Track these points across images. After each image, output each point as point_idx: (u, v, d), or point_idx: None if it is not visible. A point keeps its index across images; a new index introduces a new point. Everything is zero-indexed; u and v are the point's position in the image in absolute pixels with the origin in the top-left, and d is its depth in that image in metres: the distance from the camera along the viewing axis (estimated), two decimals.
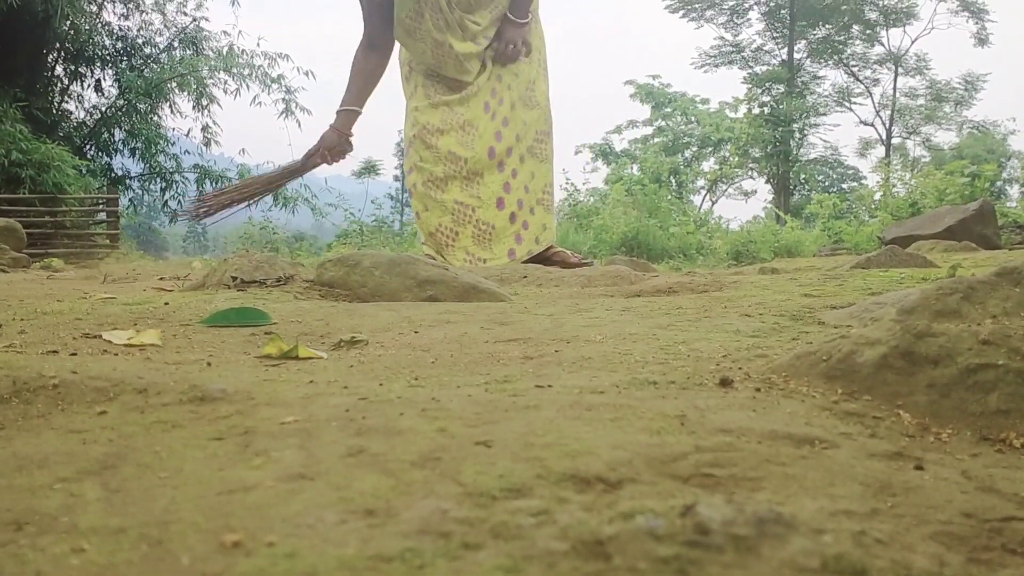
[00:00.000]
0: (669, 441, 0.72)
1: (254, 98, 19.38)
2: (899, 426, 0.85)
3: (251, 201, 4.44)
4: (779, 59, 32.08)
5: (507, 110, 4.43)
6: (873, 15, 31.34)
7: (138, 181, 19.69)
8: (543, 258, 4.48)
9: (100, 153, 18.73)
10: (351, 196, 18.43)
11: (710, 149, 25.99)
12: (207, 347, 1.43)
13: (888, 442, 0.79)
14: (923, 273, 2.67)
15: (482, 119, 4.37)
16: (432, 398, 0.89)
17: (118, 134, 18.83)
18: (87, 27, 17.45)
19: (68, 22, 16.39)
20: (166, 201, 19.60)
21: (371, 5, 4.40)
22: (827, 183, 33.36)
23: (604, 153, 26.38)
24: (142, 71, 18.36)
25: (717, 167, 24.85)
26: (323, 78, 20.16)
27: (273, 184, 4.49)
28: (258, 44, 25.99)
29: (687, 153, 25.85)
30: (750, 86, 29.69)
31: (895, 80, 32.32)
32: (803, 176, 31.37)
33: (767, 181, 30.37)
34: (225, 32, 21.94)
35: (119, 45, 18.63)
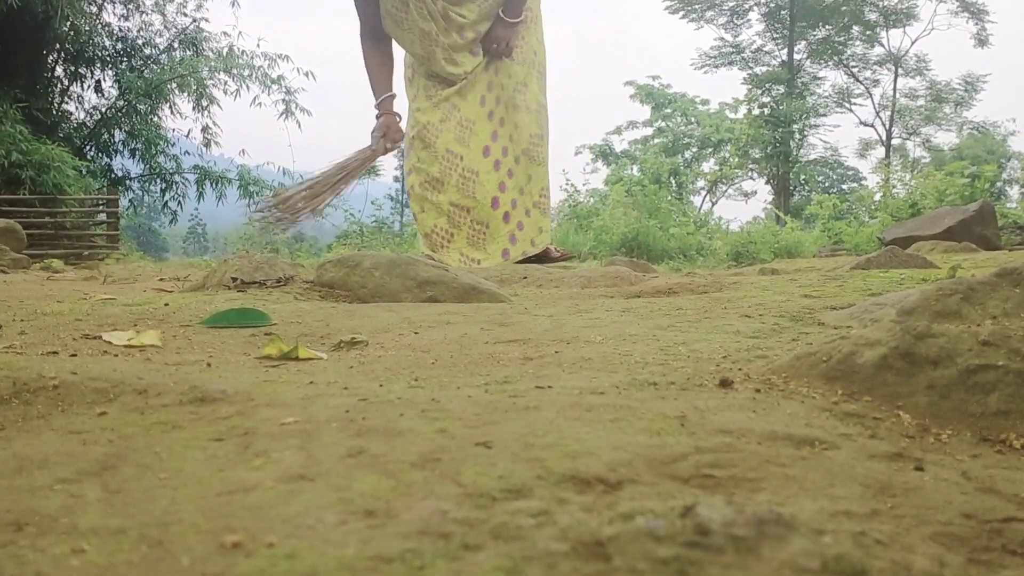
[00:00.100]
0: (669, 442, 0.72)
1: (254, 99, 19.38)
2: (899, 427, 0.85)
3: (335, 195, 4.40)
4: (779, 60, 32.09)
5: (502, 111, 4.45)
6: (873, 16, 31.35)
7: (138, 182, 19.69)
8: (535, 258, 4.52)
9: (100, 154, 18.73)
10: (351, 197, 18.35)
11: (710, 150, 25.99)
12: (207, 348, 1.43)
13: (888, 443, 0.79)
14: (923, 274, 2.67)
15: (479, 116, 4.40)
16: (432, 399, 0.89)
17: (118, 135, 18.84)
18: (87, 28, 17.45)
19: (68, 23, 16.39)
20: (166, 202, 19.61)
21: (362, 2, 4.44)
22: (827, 184, 33.35)
23: (604, 154, 26.38)
24: (142, 72, 18.37)
25: (717, 168, 24.83)
26: (323, 79, 20.19)
27: (350, 174, 4.44)
28: (258, 45, 25.98)
29: (687, 154, 25.85)
30: (750, 87, 29.69)
31: (895, 81, 32.34)
32: (803, 177, 31.36)
33: (767, 182, 30.38)
34: (225, 33, 21.98)
35: (119, 46, 18.64)
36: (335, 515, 0.56)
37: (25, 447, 0.77)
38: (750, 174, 29.93)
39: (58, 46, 17.11)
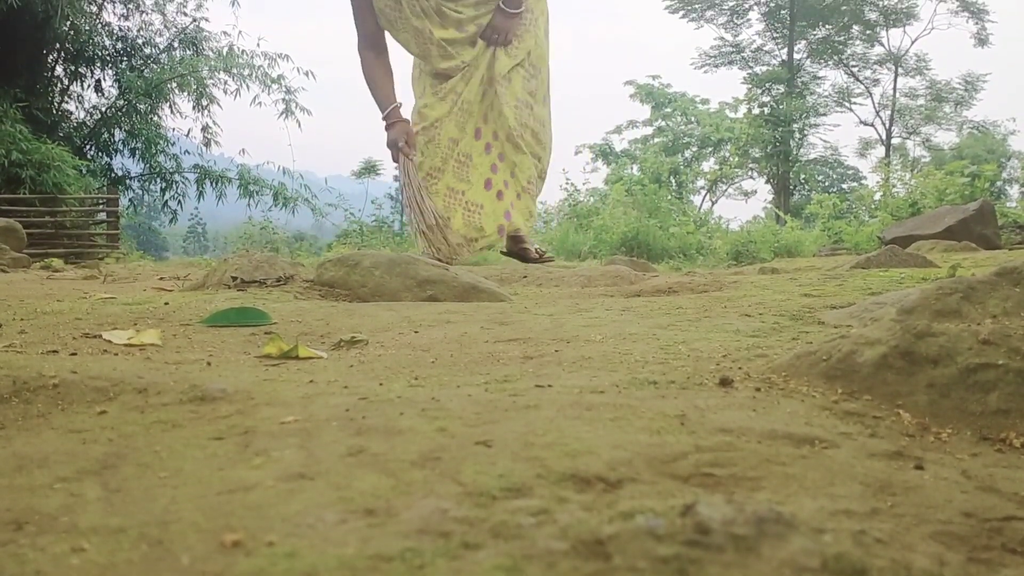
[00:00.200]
0: (669, 441, 0.72)
1: (254, 98, 19.37)
2: (899, 426, 0.85)
3: (434, 212, 4.39)
4: (779, 59, 32.08)
5: (492, 95, 4.48)
6: (873, 15, 31.34)
7: (138, 181, 19.68)
8: (517, 252, 4.59)
9: (100, 153, 18.73)
10: (351, 196, 18.40)
11: (710, 149, 25.99)
12: (207, 347, 1.43)
13: (888, 442, 0.79)
14: (923, 273, 2.67)
15: (476, 98, 4.44)
16: (432, 398, 0.89)
17: (118, 134, 18.83)
18: (87, 27, 17.44)
19: (68, 22, 16.39)
20: (166, 201, 19.60)
21: (359, 9, 4.45)
22: (827, 183, 33.35)
23: (604, 153, 26.38)
24: (142, 71, 18.36)
25: (717, 167, 24.83)
26: (323, 78, 20.16)
27: (419, 184, 4.41)
28: (258, 44, 25.98)
29: (687, 153, 25.84)
30: (750, 86, 29.69)
31: (895, 80, 32.33)
32: (803, 176, 31.36)
33: (767, 181, 30.38)
34: (225, 32, 21.97)
35: (119, 45, 18.63)
36: (335, 514, 0.56)
37: (25, 446, 0.77)
38: (750, 173, 29.94)
39: (58, 45, 17.10)
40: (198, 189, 19.50)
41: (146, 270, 4.57)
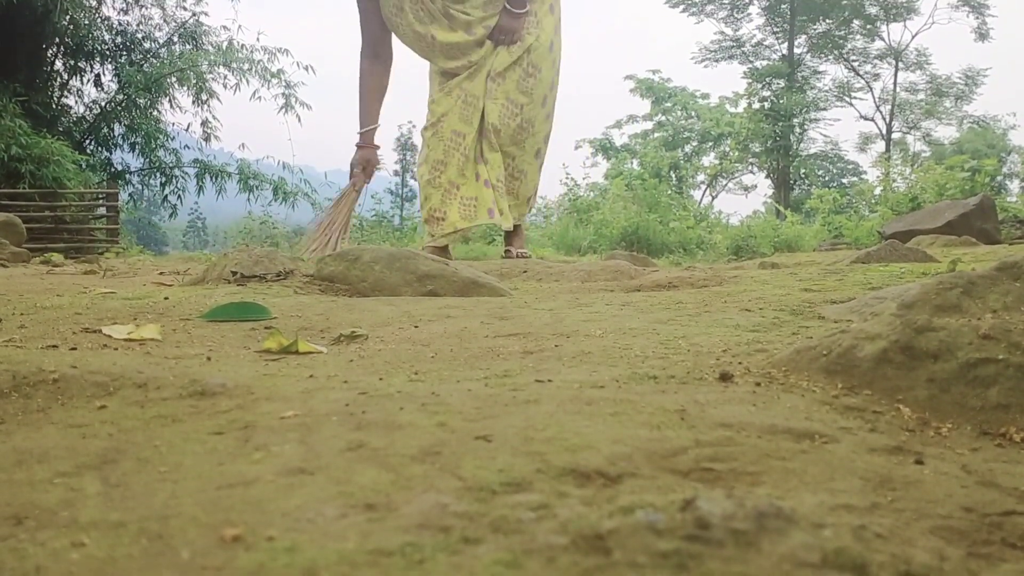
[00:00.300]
0: (669, 435, 0.72)
1: (254, 93, 19.29)
2: (899, 421, 0.85)
3: (343, 236, 4.49)
4: (779, 54, 32.05)
5: (494, 89, 4.49)
6: (873, 10, 31.30)
7: (138, 176, 19.65)
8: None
9: (100, 148, 18.69)
10: None
11: (710, 144, 25.98)
12: (207, 342, 1.43)
13: (888, 436, 0.79)
14: (923, 268, 2.67)
15: (480, 92, 4.44)
16: (432, 392, 0.89)
17: (118, 129, 18.79)
18: (86, 22, 17.40)
19: (67, 17, 16.35)
20: (166, 196, 19.57)
21: (366, 12, 4.46)
22: (827, 178, 33.33)
23: (604, 148, 26.36)
24: (141, 66, 18.31)
25: (717, 162, 24.82)
26: (323, 73, 20.12)
27: (346, 216, 4.55)
28: (258, 39, 25.97)
29: (687, 148, 25.83)
30: (750, 81, 29.65)
31: (895, 75, 32.31)
32: (803, 171, 31.35)
33: (767, 176, 30.38)
34: (225, 27, 21.82)
35: (118, 40, 18.58)
36: (335, 508, 0.56)
37: (25, 441, 0.77)
38: (750, 168, 29.94)
39: (57, 40, 17.07)
40: (198, 184, 19.47)
41: (146, 265, 4.57)
